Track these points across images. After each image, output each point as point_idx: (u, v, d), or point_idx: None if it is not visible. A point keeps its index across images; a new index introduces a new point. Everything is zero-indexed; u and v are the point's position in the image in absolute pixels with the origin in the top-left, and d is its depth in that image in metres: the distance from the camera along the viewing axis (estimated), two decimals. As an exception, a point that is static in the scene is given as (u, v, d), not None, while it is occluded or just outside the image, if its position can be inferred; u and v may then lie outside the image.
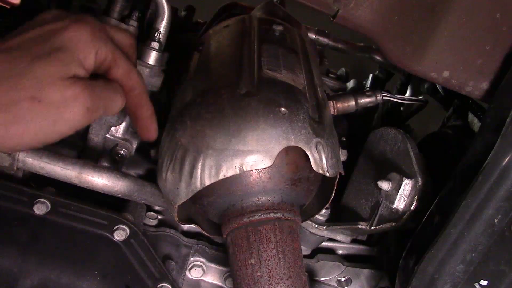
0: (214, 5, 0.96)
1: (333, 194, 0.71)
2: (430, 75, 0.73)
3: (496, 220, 0.64)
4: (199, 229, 0.73)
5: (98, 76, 0.57)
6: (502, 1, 0.69)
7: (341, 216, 0.89)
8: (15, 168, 0.75)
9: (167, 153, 0.64)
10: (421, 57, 0.72)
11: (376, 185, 0.76)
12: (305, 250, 0.92)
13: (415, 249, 0.72)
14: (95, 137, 0.79)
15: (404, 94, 1.13)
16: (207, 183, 0.59)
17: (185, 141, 0.61)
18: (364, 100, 0.84)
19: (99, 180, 0.74)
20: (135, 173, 0.89)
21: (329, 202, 0.72)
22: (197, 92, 0.66)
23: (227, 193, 0.63)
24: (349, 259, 0.96)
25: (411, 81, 1.13)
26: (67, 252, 0.74)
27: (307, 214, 0.77)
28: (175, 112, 0.67)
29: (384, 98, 0.86)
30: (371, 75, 1.20)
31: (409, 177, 0.74)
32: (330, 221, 0.84)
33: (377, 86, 1.17)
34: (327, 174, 0.63)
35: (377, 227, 0.78)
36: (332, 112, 0.81)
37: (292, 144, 0.60)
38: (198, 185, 0.60)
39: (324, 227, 0.84)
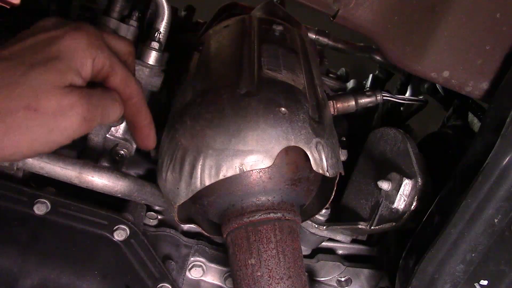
0: (214, 5, 0.96)
1: (333, 194, 0.71)
2: (430, 75, 0.73)
3: (496, 220, 0.64)
4: (199, 229, 0.73)
5: (96, 85, 0.56)
6: (502, 1, 0.69)
7: (341, 216, 0.89)
8: (15, 168, 0.75)
9: (167, 153, 0.64)
10: (421, 57, 0.72)
11: (376, 185, 0.76)
12: (305, 250, 0.92)
13: (415, 249, 0.72)
14: (95, 137, 0.79)
15: (404, 94, 1.13)
16: (207, 183, 0.59)
17: (185, 141, 0.61)
18: (364, 100, 0.84)
19: (99, 180, 0.74)
20: (135, 173, 0.89)
21: (329, 202, 0.73)
22: (197, 92, 0.66)
23: (227, 193, 0.63)
24: (349, 259, 0.96)
25: (411, 81, 1.13)
26: (67, 252, 0.74)
27: (307, 214, 0.77)
28: (175, 112, 0.67)
29: (384, 98, 0.86)
30: (371, 75, 1.20)
31: (409, 177, 0.74)
32: (330, 221, 0.84)
33: (377, 86, 1.17)
34: (327, 174, 0.63)
35: (377, 227, 0.78)
36: (332, 112, 0.81)
37: (292, 144, 0.60)
38: (198, 185, 0.60)
39: (324, 227, 0.84)
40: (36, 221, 0.73)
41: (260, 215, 0.63)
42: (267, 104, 0.61)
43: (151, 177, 0.81)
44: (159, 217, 0.88)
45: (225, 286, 0.84)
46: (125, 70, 0.58)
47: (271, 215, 0.63)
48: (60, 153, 0.74)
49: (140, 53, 0.76)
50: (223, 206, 0.65)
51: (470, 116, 0.94)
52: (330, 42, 1.07)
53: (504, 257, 0.66)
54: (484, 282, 0.67)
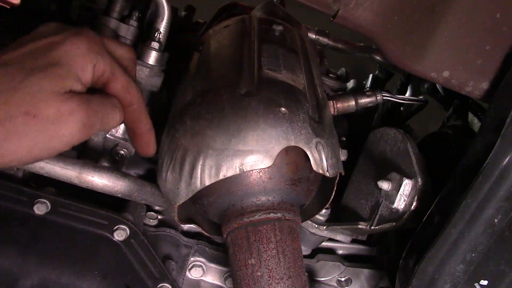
0: (214, 5, 0.96)
1: (333, 194, 0.71)
2: (430, 75, 0.73)
3: (496, 220, 0.64)
4: (199, 229, 0.73)
5: (96, 91, 0.56)
6: (502, 1, 0.69)
7: (341, 216, 0.89)
8: (15, 168, 0.75)
9: (167, 153, 0.64)
10: (421, 57, 0.72)
11: (376, 185, 0.76)
12: (305, 250, 0.92)
13: (415, 249, 0.72)
14: (95, 137, 0.79)
15: (404, 94, 1.13)
16: (207, 183, 0.59)
17: (185, 141, 0.61)
18: (364, 100, 0.84)
19: (99, 180, 0.74)
20: (135, 173, 0.89)
21: (329, 202, 0.73)
22: (197, 92, 0.66)
23: (227, 193, 0.63)
24: (349, 259, 0.96)
25: (411, 81, 1.13)
26: (67, 252, 0.74)
27: (307, 214, 0.77)
28: (175, 112, 0.67)
29: (384, 98, 0.86)
30: (371, 75, 1.20)
31: (409, 177, 0.74)
32: (330, 221, 0.84)
33: (377, 86, 1.17)
34: (327, 174, 0.63)
35: (377, 227, 0.78)
36: (332, 112, 0.81)
37: (292, 144, 0.60)
38: (198, 185, 0.60)
39: (324, 227, 0.84)
40: (36, 221, 0.73)
41: (260, 215, 0.63)
42: (267, 104, 0.61)
43: (151, 177, 0.81)
44: (159, 217, 0.88)
45: (225, 286, 0.84)
46: (126, 76, 0.58)
47: (271, 215, 0.63)
48: (60, 153, 0.74)
49: (140, 53, 0.76)
50: (223, 206, 0.65)
51: (470, 116, 0.94)
52: (330, 42, 1.07)
53: (504, 257, 0.66)
54: (484, 282, 0.67)
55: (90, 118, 0.52)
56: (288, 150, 0.61)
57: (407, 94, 1.14)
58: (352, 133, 0.99)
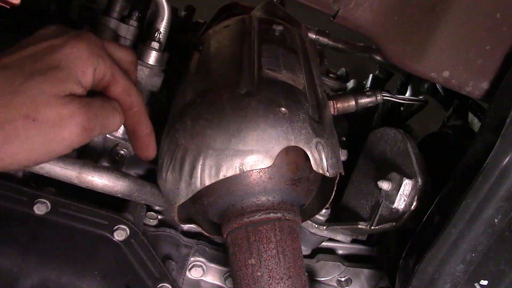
0: (214, 5, 0.96)
1: (333, 194, 0.71)
2: (430, 75, 0.73)
3: (496, 220, 0.64)
4: (199, 229, 0.73)
5: (96, 94, 0.56)
6: (502, 1, 0.69)
7: (341, 216, 0.89)
8: (15, 168, 0.75)
9: (167, 153, 0.64)
10: (421, 57, 0.72)
11: (376, 185, 0.76)
12: (305, 250, 0.92)
13: (415, 249, 0.72)
14: (95, 137, 0.79)
15: (404, 94, 1.13)
16: (207, 183, 0.59)
17: (185, 141, 0.61)
18: (364, 100, 0.84)
19: (99, 180, 0.74)
20: (135, 173, 0.89)
21: (329, 202, 0.72)
22: (197, 92, 0.66)
23: (227, 193, 0.63)
24: (349, 259, 0.96)
25: (411, 81, 1.13)
26: (67, 252, 0.74)
27: (307, 214, 0.77)
28: (175, 112, 0.67)
29: (384, 98, 0.86)
30: (371, 75, 1.20)
31: (409, 177, 0.74)
32: (330, 221, 0.84)
33: (377, 86, 1.17)
34: (327, 174, 0.63)
35: (377, 227, 0.78)
36: (332, 112, 0.81)
37: (292, 144, 0.60)
38: (198, 185, 0.60)
39: (324, 227, 0.84)
40: (36, 221, 0.73)
41: (260, 215, 0.63)
42: (267, 104, 0.61)
43: (151, 177, 0.81)
44: (159, 217, 0.88)
45: (225, 286, 0.84)
46: (127, 79, 0.58)
47: (271, 215, 0.63)
48: (60, 154, 0.74)
49: (140, 53, 0.76)
50: (223, 206, 0.65)
51: (470, 116, 0.94)
52: (330, 42, 1.07)
53: (504, 257, 0.66)
54: (484, 282, 0.67)
55: (90, 122, 0.51)
56: (288, 150, 0.61)
57: (407, 94, 1.14)
58: (352, 133, 0.99)
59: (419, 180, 0.74)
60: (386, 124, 0.89)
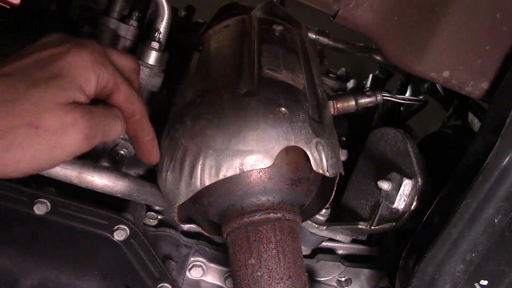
0: (214, 5, 0.96)
1: (333, 194, 0.71)
2: (430, 75, 0.73)
3: (496, 220, 0.64)
4: (199, 229, 0.73)
5: (98, 101, 0.56)
6: (502, 1, 0.69)
7: (341, 216, 0.89)
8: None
9: (167, 153, 0.64)
10: (421, 57, 0.72)
11: (376, 185, 0.76)
12: (305, 250, 0.92)
13: (415, 249, 0.72)
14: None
15: (404, 94, 1.13)
16: (207, 183, 0.59)
17: (185, 141, 0.61)
18: (364, 100, 0.84)
19: (99, 180, 0.74)
20: (135, 173, 0.89)
21: (329, 202, 0.72)
22: (197, 92, 0.66)
23: (227, 193, 0.63)
24: (349, 259, 0.96)
25: (411, 81, 1.13)
26: (67, 252, 0.74)
27: (307, 214, 0.77)
28: (175, 112, 0.67)
29: (384, 98, 0.86)
30: (371, 75, 1.20)
31: (409, 177, 0.74)
32: (330, 221, 0.84)
33: (377, 86, 1.17)
34: (327, 174, 0.63)
35: (377, 227, 0.78)
36: (332, 112, 0.81)
37: (292, 144, 0.60)
38: (198, 185, 0.60)
39: (324, 227, 0.84)
40: (36, 221, 0.73)
41: (260, 215, 0.63)
42: (267, 104, 0.61)
43: (151, 177, 0.81)
44: (159, 217, 0.88)
45: (225, 286, 0.84)
46: (129, 87, 0.58)
47: (271, 215, 0.63)
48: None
49: (140, 53, 0.76)
50: (223, 206, 0.65)
51: (470, 116, 0.94)
52: (330, 42, 1.07)
53: (504, 257, 0.66)
54: (484, 282, 0.67)
55: (92, 129, 0.52)
56: (288, 150, 0.61)
57: (407, 94, 1.14)
58: (352, 133, 0.99)
59: (419, 180, 0.74)
60: (386, 124, 0.89)
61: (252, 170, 0.61)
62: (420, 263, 0.68)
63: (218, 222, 0.68)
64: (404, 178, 0.74)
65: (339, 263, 0.92)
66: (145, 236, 0.77)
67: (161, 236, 0.84)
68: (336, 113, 0.81)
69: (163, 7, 0.75)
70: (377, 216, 0.78)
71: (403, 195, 0.74)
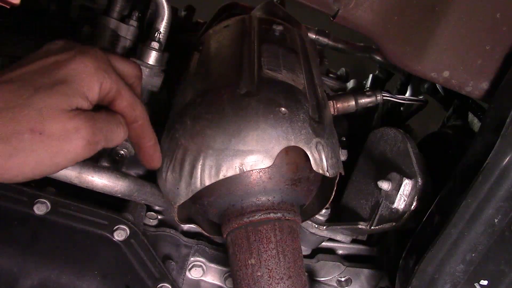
0: (214, 5, 0.96)
1: (333, 194, 0.71)
2: (430, 75, 0.73)
3: (496, 220, 0.64)
4: (199, 229, 0.73)
5: (101, 108, 0.57)
6: (502, 1, 0.69)
7: (341, 216, 0.89)
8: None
9: (167, 153, 0.64)
10: (421, 57, 0.72)
11: (376, 185, 0.76)
12: (305, 250, 0.92)
13: (415, 249, 0.72)
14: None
15: (404, 94, 1.13)
16: (207, 183, 0.59)
17: (185, 141, 0.61)
18: (364, 100, 0.84)
19: (99, 180, 0.74)
20: (135, 173, 0.89)
21: (329, 202, 0.73)
22: (197, 92, 0.66)
23: (227, 193, 0.63)
24: (349, 259, 0.96)
25: (411, 81, 1.13)
26: (67, 252, 0.74)
27: (307, 214, 0.77)
28: (175, 112, 0.67)
29: (384, 98, 0.86)
30: (371, 75, 1.20)
31: (409, 177, 0.74)
32: (330, 221, 0.84)
33: (377, 86, 1.17)
34: (327, 174, 0.63)
35: (377, 227, 0.78)
36: (332, 112, 0.81)
37: (292, 144, 0.60)
38: (198, 185, 0.60)
39: (324, 227, 0.84)
40: (36, 221, 0.73)
41: (260, 215, 0.63)
42: (267, 104, 0.61)
43: (151, 177, 0.81)
44: (159, 217, 0.88)
45: (225, 286, 0.84)
46: (132, 94, 0.58)
47: (271, 215, 0.64)
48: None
49: (140, 53, 0.76)
50: (223, 206, 0.65)
51: (470, 116, 0.94)
52: (330, 42, 1.07)
53: (504, 257, 0.66)
54: (484, 282, 0.67)
55: (95, 136, 0.52)
56: (288, 150, 0.61)
57: (407, 94, 1.14)
58: (352, 133, 0.99)
59: (419, 180, 0.74)
60: (386, 124, 0.89)
61: (252, 170, 0.61)
62: (420, 263, 0.68)
63: (218, 222, 0.68)
64: (404, 178, 0.74)
65: (339, 263, 0.92)
66: (145, 236, 0.77)
67: (161, 236, 0.84)
68: (336, 113, 0.81)
69: (163, 7, 0.75)
70: (377, 216, 0.78)
71: (403, 195, 0.74)
